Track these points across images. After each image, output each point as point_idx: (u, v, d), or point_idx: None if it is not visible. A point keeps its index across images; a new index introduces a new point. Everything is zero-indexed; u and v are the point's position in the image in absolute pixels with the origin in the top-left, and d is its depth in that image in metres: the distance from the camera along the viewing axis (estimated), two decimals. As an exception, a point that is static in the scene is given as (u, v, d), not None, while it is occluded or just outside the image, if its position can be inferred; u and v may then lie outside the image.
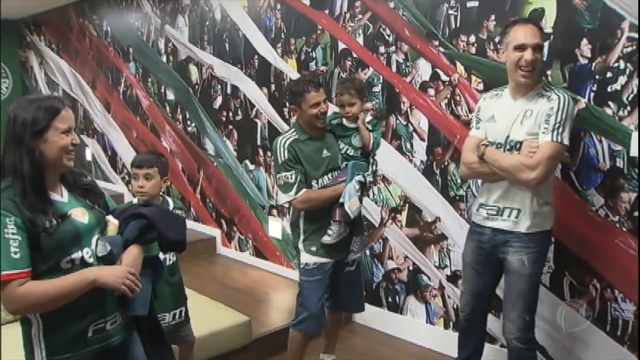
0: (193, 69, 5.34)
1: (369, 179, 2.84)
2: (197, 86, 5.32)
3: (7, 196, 1.69)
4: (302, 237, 2.87)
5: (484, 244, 2.65)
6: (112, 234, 1.87)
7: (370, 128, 2.85)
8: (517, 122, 2.49)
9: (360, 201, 2.80)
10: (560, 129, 2.38)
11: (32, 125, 1.72)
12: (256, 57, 4.58)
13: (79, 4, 7.12)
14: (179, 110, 5.63)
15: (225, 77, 4.95)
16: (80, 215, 1.81)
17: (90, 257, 1.80)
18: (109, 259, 1.83)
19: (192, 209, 5.58)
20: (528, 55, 2.41)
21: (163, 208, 2.31)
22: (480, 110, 2.68)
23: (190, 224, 5.51)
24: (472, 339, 2.86)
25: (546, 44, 2.84)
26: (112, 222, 1.89)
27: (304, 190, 2.75)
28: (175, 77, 5.59)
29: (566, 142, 2.40)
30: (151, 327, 2.02)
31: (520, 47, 2.42)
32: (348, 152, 2.87)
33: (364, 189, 2.82)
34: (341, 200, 2.73)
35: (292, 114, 2.88)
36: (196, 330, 2.87)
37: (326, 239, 2.78)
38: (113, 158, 6.93)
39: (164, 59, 5.71)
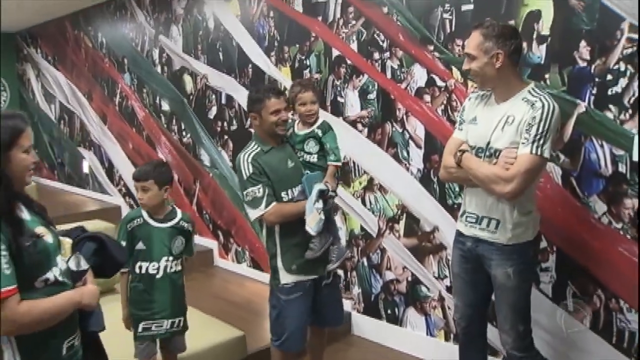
0: (187, 79, 5.29)
1: (328, 187, 2.69)
2: (191, 96, 5.26)
3: None
4: (279, 256, 2.74)
5: (466, 253, 2.57)
6: (68, 253, 1.88)
7: (320, 134, 2.76)
8: (498, 128, 2.38)
9: (328, 211, 2.69)
10: (542, 141, 2.25)
11: None
12: (250, 65, 4.52)
13: (74, 15, 7.10)
14: (174, 120, 5.58)
15: (220, 86, 4.89)
16: (45, 234, 1.78)
17: (60, 276, 1.79)
18: (77, 276, 1.85)
19: (188, 220, 5.49)
20: (465, 63, 2.42)
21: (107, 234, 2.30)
22: (464, 111, 2.60)
23: (187, 236, 5.48)
24: (472, 352, 2.77)
25: (543, 47, 2.78)
26: (67, 241, 1.94)
27: (274, 203, 2.64)
28: (169, 87, 5.54)
29: (547, 155, 2.28)
30: (92, 340, 2.03)
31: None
32: (306, 159, 2.77)
33: (327, 197, 2.66)
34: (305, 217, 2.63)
35: (251, 122, 2.77)
36: (189, 345, 2.84)
37: (309, 254, 2.68)
38: (110, 170, 6.89)
39: (159, 69, 5.66)
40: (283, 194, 2.69)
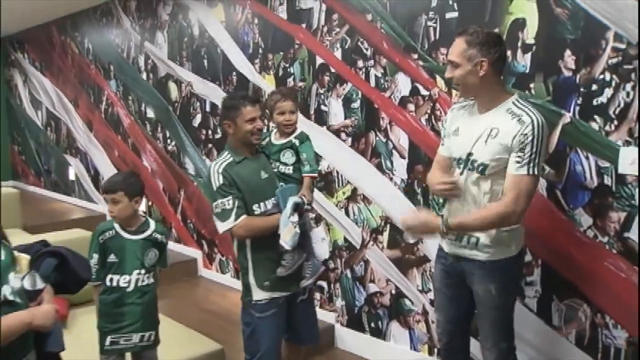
0: (172, 86, 5.21)
1: (305, 199, 2.60)
2: (176, 104, 5.18)
3: None
4: (251, 271, 2.63)
5: (448, 267, 2.50)
6: (25, 270, 1.76)
7: (297, 144, 2.68)
8: (480, 140, 2.29)
9: (303, 225, 2.59)
10: (537, 160, 2.19)
11: None
12: (234, 73, 4.45)
13: (62, 21, 7.02)
14: (159, 128, 5.50)
15: (204, 94, 4.82)
16: None
17: (10, 295, 1.68)
18: (32, 295, 1.75)
19: (173, 230, 5.43)
20: (448, 71, 2.34)
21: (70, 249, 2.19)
22: (446, 123, 2.53)
23: (171, 245, 5.39)
24: None
25: (528, 56, 2.72)
26: (24, 257, 1.81)
27: (244, 216, 2.53)
28: (155, 94, 5.46)
29: (540, 171, 2.26)
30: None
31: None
32: (281, 170, 2.68)
33: (302, 210, 2.57)
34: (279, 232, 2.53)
35: (225, 130, 2.67)
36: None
37: (281, 270, 2.58)
38: (96, 178, 6.80)
39: (144, 76, 5.59)
40: (255, 207, 2.58)
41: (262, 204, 2.59)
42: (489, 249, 2.33)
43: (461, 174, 2.37)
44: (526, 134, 2.18)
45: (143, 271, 2.57)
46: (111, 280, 2.53)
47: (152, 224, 2.65)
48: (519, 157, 2.20)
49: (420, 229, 2.46)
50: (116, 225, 2.57)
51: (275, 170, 2.68)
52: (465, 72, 2.27)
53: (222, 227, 2.56)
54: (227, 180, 2.52)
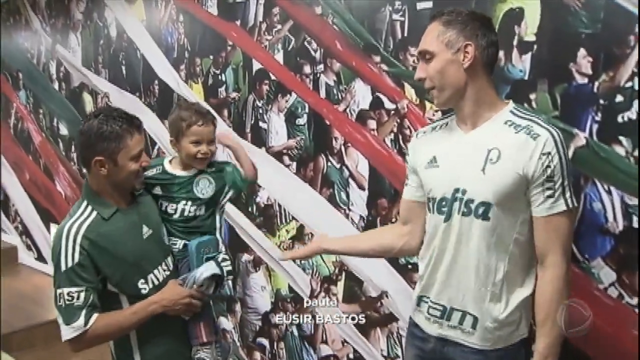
0: (87, 98, 4.57)
1: (226, 266, 1.95)
2: (92, 118, 4.46)
3: None
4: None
5: (428, 354, 1.83)
6: None
7: (214, 175, 2.05)
8: (475, 169, 1.64)
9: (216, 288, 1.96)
10: (570, 185, 1.61)
11: None
12: (156, 82, 3.80)
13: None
14: (73, 148, 4.82)
15: (123, 107, 4.08)
16: None
17: None
18: None
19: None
20: (418, 70, 1.70)
21: None
22: (410, 156, 1.90)
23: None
24: None
25: (527, 57, 2.13)
26: None
27: (95, 316, 1.73)
28: (68, 107, 4.81)
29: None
30: None
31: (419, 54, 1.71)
32: (187, 213, 1.97)
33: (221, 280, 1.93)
34: None
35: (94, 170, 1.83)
36: None
37: None
38: (5, 204, 6.04)
39: (56, 85, 4.92)
40: (141, 284, 1.82)
41: (150, 276, 1.84)
42: (492, 334, 1.68)
43: (446, 220, 1.69)
44: (549, 153, 1.57)
45: None
46: None
47: None
48: (549, 188, 1.59)
49: None
50: None
51: (175, 213, 1.97)
52: (445, 62, 1.63)
53: (66, 332, 1.73)
54: (87, 259, 1.72)
